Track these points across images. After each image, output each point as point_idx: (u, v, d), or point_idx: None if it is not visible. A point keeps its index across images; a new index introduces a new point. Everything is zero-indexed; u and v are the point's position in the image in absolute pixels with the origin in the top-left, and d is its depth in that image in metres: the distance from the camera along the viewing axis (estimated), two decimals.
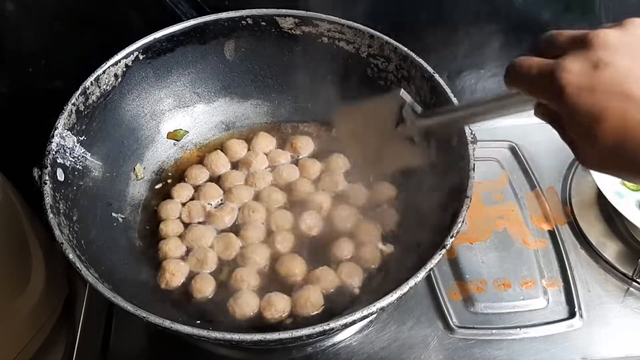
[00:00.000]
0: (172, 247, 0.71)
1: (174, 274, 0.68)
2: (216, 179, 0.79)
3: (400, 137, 0.58)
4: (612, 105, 0.36)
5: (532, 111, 0.45)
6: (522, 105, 0.47)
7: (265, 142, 0.83)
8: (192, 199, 0.77)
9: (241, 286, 0.67)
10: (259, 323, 0.65)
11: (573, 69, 0.38)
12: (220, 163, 0.80)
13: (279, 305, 0.65)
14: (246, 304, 0.65)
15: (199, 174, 0.79)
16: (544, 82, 0.40)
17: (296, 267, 0.68)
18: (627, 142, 0.36)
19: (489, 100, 0.49)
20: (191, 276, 0.69)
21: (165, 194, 0.78)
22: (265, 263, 0.70)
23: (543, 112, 0.45)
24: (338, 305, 0.66)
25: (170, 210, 0.75)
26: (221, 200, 0.77)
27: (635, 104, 0.36)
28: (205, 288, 0.67)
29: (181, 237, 0.73)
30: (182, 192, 0.77)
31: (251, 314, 0.65)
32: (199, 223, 0.74)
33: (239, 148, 0.82)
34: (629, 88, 0.36)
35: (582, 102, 0.37)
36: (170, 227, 0.73)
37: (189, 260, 0.70)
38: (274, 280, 0.69)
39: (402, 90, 0.57)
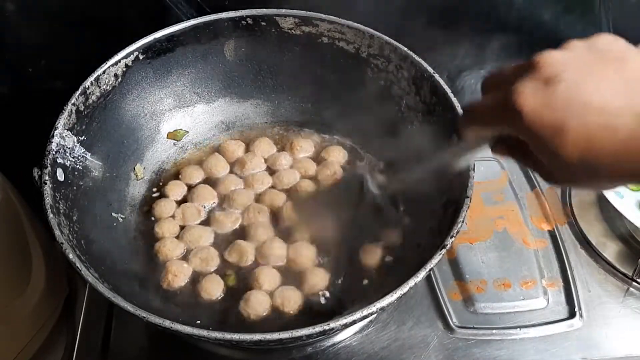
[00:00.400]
0: (171, 248, 0.71)
1: (177, 275, 0.68)
2: (212, 182, 0.79)
3: (367, 210, 0.59)
4: (572, 117, 0.37)
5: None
6: (476, 147, 0.48)
7: (266, 146, 0.82)
8: (185, 199, 0.77)
9: (256, 286, 0.67)
10: (277, 320, 0.65)
11: (526, 89, 0.39)
12: (219, 166, 0.80)
13: (294, 298, 0.66)
14: (258, 304, 0.65)
15: (194, 173, 0.79)
16: (501, 111, 0.40)
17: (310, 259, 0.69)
18: (593, 149, 0.37)
19: (445, 152, 0.50)
20: (194, 277, 0.69)
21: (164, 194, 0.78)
22: (285, 258, 0.70)
23: (500, 147, 0.45)
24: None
25: (164, 208, 0.75)
26: (214, 203, 0.76)
27: (594, 111, 0.37)
28: (214, 290, 0.67)
29: (178, 237, 0.73)
30: (176, 189, 0.77)
31: (264, 313, 0.65)
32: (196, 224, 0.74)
33: (235, 148, 0.82)
34: (584, 97, 0.37)
35: (542, 120, 0.38)
36: (166, 227, 0.73)
37: (192, 261, 0.70)
38: (289, 274, 0.69)
39: (358, 165, 0.61)
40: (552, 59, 0.39)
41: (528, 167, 0.44)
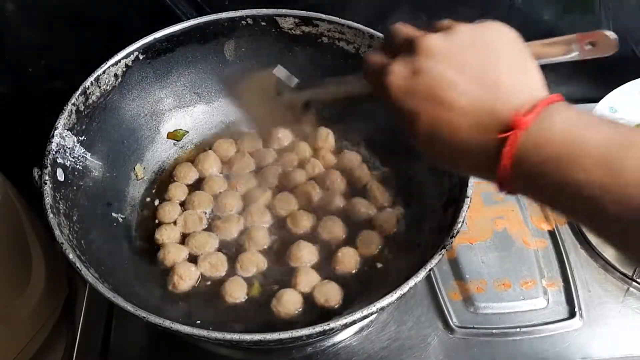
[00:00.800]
0: (176, 253, 0.70)
1: (182, 278, 0.67)
2: (204, 182, 0.78)
3: (283, 104, 0.65)
4: (426, 108, 0.41)
5: None
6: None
7: (252, 142, 0.82)
8: (184, 205, 0.76)
9: (294, 285, 0.67)
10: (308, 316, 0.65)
11: (397, 72, 0.42)
12: (208, 163, 0.79)
13: (333, 293, 0.66)
14: (290, 302, 0.65)
15: (188, 173, 0.78)
16: (378, 80, 0.44)
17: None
18: (436, 136, 0.41)
19: (357, 77, 0.53)
20: (200, 281, 0.68)
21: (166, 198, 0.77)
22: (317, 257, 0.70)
23: None
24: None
25: (168, 212, 0.74)
26: (212, 209, 0.75)
27: (443, 107, 0.40)
28: (238, 293, 0.66)
29: (184, 243, 0.72)
30: (178, 191, 0.76)
31: (296, 312, 0.65)
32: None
33: (227, 146, 0.81)
34: (440, 93, 0.40)
35: (402, 103, 0.42)
36: (166, 234, 0.72)
37: (201, 265, 0.69)
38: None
39: (277, 67, 0.65)
40: (429, 45, 0.42)
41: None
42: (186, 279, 0.67)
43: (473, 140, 0.40)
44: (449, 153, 0.41)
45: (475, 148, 0.40)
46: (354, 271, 0.69)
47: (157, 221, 0.74)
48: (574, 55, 0.46)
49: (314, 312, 0.66)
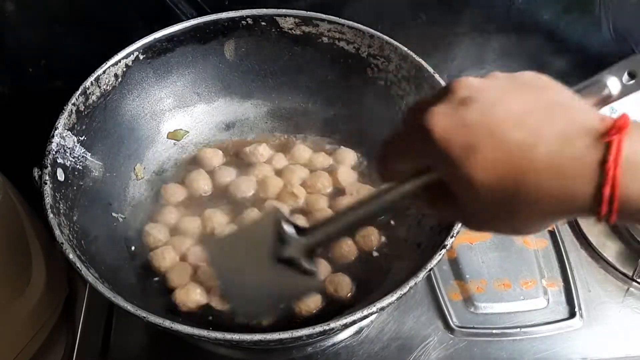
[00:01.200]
0: (181, 274, 0.68)
1: (185, 303, 0.65)
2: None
3: (281, 263, 0.48)
4: (486, 135, 0.34)
5: None
6: (401, 195, 0.42)
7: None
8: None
9: None
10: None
11: (440, 111, 0.36)
12: (201, 182, 0.77)
13: (345, 282, 0.67)
14: (310, 300, 0.65)
15: (177, 191, 0.77)
16: (414, 137, 0.38)
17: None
18: (511, 169, 0.34)
19: (372, 200, 0.44)
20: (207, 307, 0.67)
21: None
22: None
23: (420, 202, 0.43)
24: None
25: (158, 232, 0.72)
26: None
27: (509, 128, 0.34)
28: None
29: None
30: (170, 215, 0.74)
31: (315, 310, 0.65)
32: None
33: (212, 155, 0.80)
34: (500, 115, 0.35)
35: (453, 139, 0.35)
36: (161, 259, 0.69)
37: (212, 300, 0.66)
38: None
39: (274, 204, 0.52)
40: (468, 82, 0.37)
41: (447, 217, 0.43)
42: (189, 303, 0.65)
43: (559, 154, 0.33)
44: (528, 181, 0.34)
45: (568, 162, 0.33)
46: (351, 260, 0.70)
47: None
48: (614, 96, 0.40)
49: (332, 311, 0.65)
